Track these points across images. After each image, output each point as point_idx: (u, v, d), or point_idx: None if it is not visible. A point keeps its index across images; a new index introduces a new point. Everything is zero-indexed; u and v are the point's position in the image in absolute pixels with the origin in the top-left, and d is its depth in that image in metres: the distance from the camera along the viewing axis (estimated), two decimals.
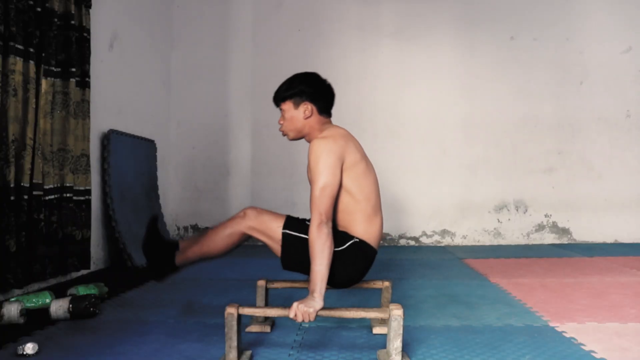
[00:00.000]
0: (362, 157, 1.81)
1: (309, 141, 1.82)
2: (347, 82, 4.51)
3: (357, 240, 1.76)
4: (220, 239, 1.80)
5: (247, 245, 4.45)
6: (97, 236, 3.19)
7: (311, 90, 1.82)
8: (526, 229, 4.49)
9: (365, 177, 1.78)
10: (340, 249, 1.72)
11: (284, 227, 1.75)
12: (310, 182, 1.69)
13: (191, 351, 1.65)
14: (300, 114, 1.82)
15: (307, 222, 1.78)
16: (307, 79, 1.85)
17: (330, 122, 1.89)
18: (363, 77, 4.53)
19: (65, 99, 2.79)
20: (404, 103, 4.50)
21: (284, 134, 1.90)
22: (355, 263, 1.76)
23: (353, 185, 1.74)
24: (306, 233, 1.70)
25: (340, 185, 1.73)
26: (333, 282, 1.75)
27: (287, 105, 1.84)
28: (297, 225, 1.76)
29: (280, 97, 1.86)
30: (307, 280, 1.97)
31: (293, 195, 4.43)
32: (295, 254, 1.74)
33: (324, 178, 1.66)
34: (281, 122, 1.87)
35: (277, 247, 1.77)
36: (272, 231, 1.75)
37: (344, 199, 1.75)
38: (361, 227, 1.77)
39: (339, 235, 1.75)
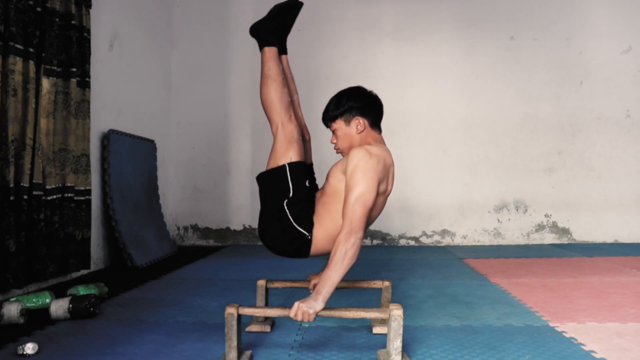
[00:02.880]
0: (386, 187, 1.79)
1: None
2: (347, 82, 4.40)
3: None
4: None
5: (247, 245, 4.47)
6: (97, 236, 3.19)
7: (360, 105, 1.80)
8: (526, 229, 4.49)
9: (378, 208, 1.78)
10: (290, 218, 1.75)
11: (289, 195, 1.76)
12: (347, 189, 1.65)
13: (191, 351, 1.65)
14: (352, 130, 1.80)
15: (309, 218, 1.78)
16: (354, 93, 1.83)
17: (382, 139, 1.86)
18: (363, 77, 4.52)
19: (66, 99, 2.79)
20: (404, 103, 4.50)
21: (338, 152, 1.87)
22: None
23: (377, 201, 1.73)
24: (297, 224, 1.74)
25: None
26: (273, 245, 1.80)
27: (339, 124, 1.82)
28: (297, 207, 1.77)
29: (330, 116, 1.84)
30: (307, 280, 1.98)
31: None
32: (288, 244, 1.77)
33: (362, 186, 1.62)
34: (334, 141, 1.86)
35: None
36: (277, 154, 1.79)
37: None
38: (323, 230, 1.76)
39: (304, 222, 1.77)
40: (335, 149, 1.88)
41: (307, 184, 1.82)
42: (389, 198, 1.87)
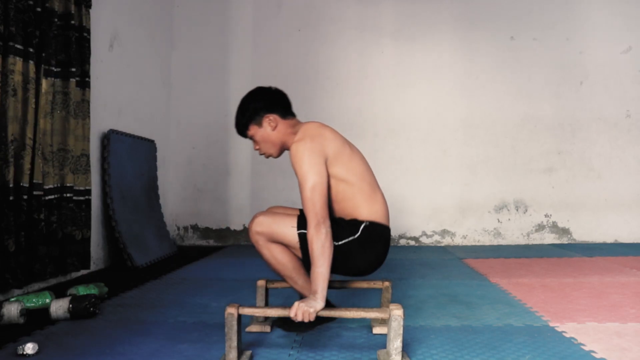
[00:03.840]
0: (343, 142, 1.81)
1: (289, 149, 1.81)
2: (347, 82, 4.51)
3: (367, 223, 1.76)
4: (276, 260, 1.79)
5: (247, 245, 4.47)
6: (97, 236, 3.19)
7: (263, 103, 1.82)
8: (526, 229, 4.49)
9: (352, 159, 1.79)
10: (355, 237, 1.72)
11: (299, 228, 1.73)
12: (299, 186, 1.67)
13: (191, 351, 1.65)
14: (267, 129, 1.81)
15: None
16: (254, 95, 1.85)
17: (298, 121, 1.87)
18: (363, 77, 4.53)
19: (65, 99, 2.79)
20: (404, 103, 4.50)
21: (267, 156, 1.89)
22: (374, 246, 1.77)
23: (343, 171, 1.75)
24: None
25: (332, 178, 1.73)
26: (359, 270, 1.78)
27: (253, 130, 1.83)
28: None
29: (241, 126, 1.85)
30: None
31: (293, 195, 4.42)
32: None
33: (311, 178, 1.65)
34: (257, 147, 1.87)
35: (297, 251, 1.76)
36: (287, 236, 1.74)
37: (339, 188, 1.76)
38: (366, 209, 1.77)
39: (349, 224, 1.75)
40: (261, 154, 1.89)
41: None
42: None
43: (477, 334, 1.82)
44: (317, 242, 1.59)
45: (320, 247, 1.59)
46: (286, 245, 1.76)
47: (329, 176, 1.72)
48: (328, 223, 1.63)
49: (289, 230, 1.74)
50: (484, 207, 4.50)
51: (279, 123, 1.81)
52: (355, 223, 1.76)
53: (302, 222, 1.74)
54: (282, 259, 1.78)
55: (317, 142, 1.72)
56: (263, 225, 1.75)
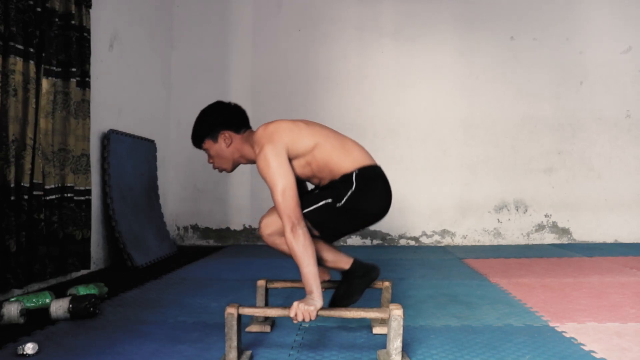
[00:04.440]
0: (295, 122, 1.83)
1: (253, 161, 1.86)
2: (347, 82, 4.51)
3: (357, 171, 1.78)
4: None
5: (246, 245, 4.47)
6: (97, 236, 3.19)
7: (219, 120, 1.86)
8: (526, 229, 4.49)
9: (310, 128, 1.81)
10: (353, 188, 1.75)
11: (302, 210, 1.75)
12: (271, 192, 1.69)
13: (191, 351, 1.65)
14: (222, 145, 1.86)
15: (313, 191, 1.85)
16: (210, 111, 1.89)
17: (251, 131, 1.89)
18: (363, 77, 4.53)
19: (65, 99, 2.79)
20: (404, 103, 4.50)
21: (220, 170, 1.94)
22: (374, 186, 1.80)
23: (308, 141, 1.77)
24: (322, 199, 1.75)
25: (302, 154, 1.77)
26: (374, 214, 1.81)
27: (208, 144, 1.87)
28: (309, 199, 1.78)
29: (197, 140, 1.89)
30: None
31: None
32: (329, 222, 1.77)
33: (280, 182, 1.67)
34: (210, 161, 1.91)
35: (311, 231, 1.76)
36: None
37: (315, 155, 1.78)
38: (347, 161, 1.79)
39: (342, 181, 1.77)
40: (215, 168, 1.93)
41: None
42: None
43: (477, 334, 1.82)
44: (296, 245, 1.61)
45: (302, 248, 1.61)
46: None
47: (302, 155, 1.76)
48: (302, 223, 1.66)
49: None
50: (484, 207, 4.50)
51: (234, 139, 1.86)
52: (347, 177, 1.77)
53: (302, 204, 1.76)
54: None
55: (274, 140, 1.74)
56: (271, 226, 1.80)
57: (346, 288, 1.84)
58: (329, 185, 1.81)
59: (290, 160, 1.75)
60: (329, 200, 1.76)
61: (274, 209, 1.80)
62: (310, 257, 1.61)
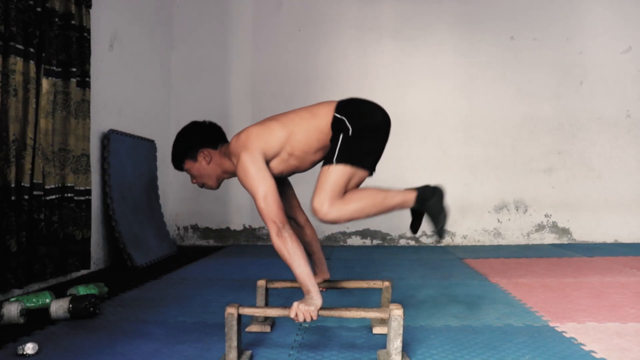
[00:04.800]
0: (262, 126, 1.83)
1: (228, 175, 1.90)
2: (347, 82, 4.51)
3: (335, 114, 1.79)
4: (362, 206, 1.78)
5: (247, 245, 4.47)
6: (97, 236, 3.19)
7: (195, 139, 1.88)
8: (526, 229, 4.49)
9: (277, 123, 1.82)
10: (347, 118, 1.77)
11: (326, 163, 1.76)
12: (253, 200, 1.70)
13: (191, 351, 1.65)
14: (202, 163, 1.88)
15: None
16: (186, 132, 1.92)
17: (227, 144, 1.91)
18: (363, 77, 4.53)
19: (65, 99, 2.79)
20: (404, 103, 4.50)
21: (207, 188, 1.95)
22: (360, 106, 1.84)
23: (280, 137, 1.78)
24: (337, 140, 1.76)
25: (283, 147, 1.78)
26: (381, 122, 1.82)
27: (188, 164, 1.90)
28: (329, 154, 1.78)
29: (177, 162, 1.92)
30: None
31: None
32: (359, 150, 1.77)
33: (260, 188, 1.69)
34: (194, 181, 1.93)
35: (355, 178, 1.76)
36: (340, 181, 1.74)
37: (295, 147, 1.79)
38: (323, 119, 1.80)
39: (336, 124, 1.77)
40: (200, 187, 1.95)
41: None
42: None
43: (477, 334, 1.82)
44: (284, 249, 1.62)
45: (290, 250, 1.62)
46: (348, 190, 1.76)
47: (281, 150, 1.78)
48: (287, 225, 1.67)
49: (334, 176, 1.73)
50: (484, 207, 4.50)
51: (213, 156, 1.88)
52: (335, 121, 1.78)
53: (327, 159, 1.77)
54: (365, 201, 1.76)
55: (248, 147, 1.75)
56: (324, 201, 1.71)
57: (430, 212, 1.86)
58: (328, 145, 1.82)
59: (271, 160, 1.77)
60: (342, 135, 1.76)
61: (317, 189, 1.76)
62: (300, 257, 1.62)
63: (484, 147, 4.50)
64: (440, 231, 1.91)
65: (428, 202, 1.84)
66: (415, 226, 1.95)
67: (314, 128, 1.80)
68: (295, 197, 2.09)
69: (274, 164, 1.80)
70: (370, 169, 1.83)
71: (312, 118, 1.82)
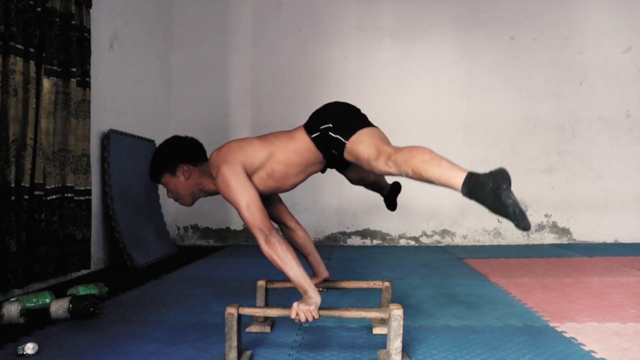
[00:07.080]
0: (244, 140, 1.84)
1: (212, 193, 1.90)
2: (347, 82, 4.51)
3: (315, 133, 1.79)
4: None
5: (247, 245, 4.47)
6: (97, 236, 3.19)
7: (175, 155, 1.87)
8: None
9: (260, 141, 1.83)
10: (331, 124, 1.78)
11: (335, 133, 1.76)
12: (237, 211, 1.70)
13: (191, 351, 1.66)
14: (181, 179, 1.87)
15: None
16: (168, 146, 1.91)
17: (207, 161, 1.91)
18: (363, 77, 4.53)
19: (66, 99, 2.79)
20: (404, 103, 4.50)
21: (181, 204, 1.94)
22: (329, 110, 1.85)
23: (262, 155, 1.79)
24: (326, 133, 1.78)
25: (269, 160, 1.79)
26: (349, 109, 1.87)
27: (166, 178, 1.89)
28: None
29: (155, 175, 1.91)
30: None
31: (293, 195, 4.41)
32: (347, 124, 1.78)
33: (242, 198, 1.69)
34: (170, 195, 1.92)
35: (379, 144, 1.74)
36: (365, 152, 1.72)
37: (275, 168, 1.80)
38: (300, 139, 1.81)
39: (322, 141, 1.79)
40: (176, 201, 1.94)
41: None
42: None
43: (477, 334, 1.82)
44: (274, 254, 1.63)
45: (281, 254, 1.63)
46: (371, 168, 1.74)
47: (261, 167, 1.79)
48: (274, 231, 1.67)
49: (363, 138, 1.72)
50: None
51: (192, 173, 1.88)
52: (323, 137, 1.78)
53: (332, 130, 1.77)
54: (415, 161, 1.76)
55: (229, 160, 1.75)
56: (379, 155, 1.70)
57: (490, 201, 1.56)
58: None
59: (251, 176, 1.77)
60: (330, 133, 1.76)
61: (367, 159, 1.70)
62: (291, 259, 1.62)
63: (484, 147, 4.50)
64: (517, 222, 1.52)
65: (478, 193, 1.59)
66: (389, 202, 1.97)
67: (292, 150, 1.81)
68: (281, 201, 2.10)
69: (254, 181, 1.79)
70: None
71: (290, 141, 1.83)
